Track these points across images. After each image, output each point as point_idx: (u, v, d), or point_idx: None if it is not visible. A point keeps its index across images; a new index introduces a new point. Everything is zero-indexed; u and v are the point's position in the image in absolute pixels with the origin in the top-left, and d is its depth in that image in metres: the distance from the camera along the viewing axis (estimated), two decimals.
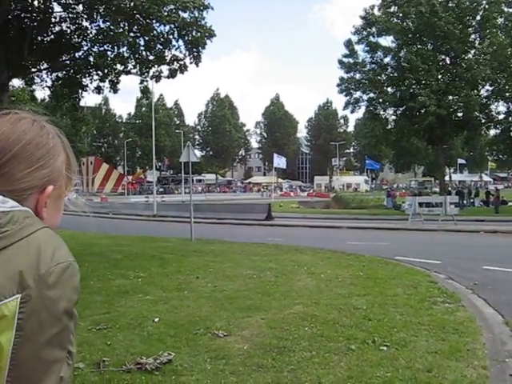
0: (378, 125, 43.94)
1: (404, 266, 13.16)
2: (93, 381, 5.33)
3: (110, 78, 19.59)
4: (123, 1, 16.67)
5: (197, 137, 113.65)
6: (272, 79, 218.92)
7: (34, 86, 21.55)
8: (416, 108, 37.22)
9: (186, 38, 18.20)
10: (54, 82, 20.03)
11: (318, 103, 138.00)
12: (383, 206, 47.32)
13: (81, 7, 18.02)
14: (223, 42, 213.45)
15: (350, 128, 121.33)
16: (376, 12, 39.28)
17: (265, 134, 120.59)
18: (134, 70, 19.39)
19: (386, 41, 40.23)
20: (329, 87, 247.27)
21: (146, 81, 20.23)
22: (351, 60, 41.03)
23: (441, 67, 39.40)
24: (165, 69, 19.28)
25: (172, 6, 17.32)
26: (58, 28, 18.58)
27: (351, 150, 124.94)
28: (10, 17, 17.06)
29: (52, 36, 18.58)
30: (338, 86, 41.37)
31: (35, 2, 17.60)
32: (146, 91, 22.34)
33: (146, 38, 18.33)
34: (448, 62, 39.58)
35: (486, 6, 36.90)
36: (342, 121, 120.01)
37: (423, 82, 38.16)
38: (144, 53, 18.76)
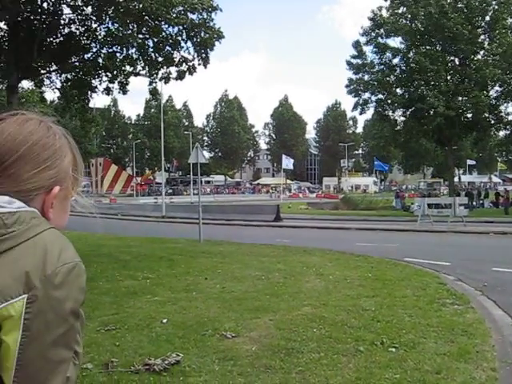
0: (386, 126, 43.82)
1: (413, 267, 13.11)
2: (101, 381, 5.35)
3: (119, 80, 19.62)
4: (132, 2, 16.69)
5: (205, 138, 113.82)
6: (280, 80, 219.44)
7: (43, 88, 21.58)
8: (425, 109, 37.06)
9: (195, 39, 18.20)
10: (64, 84, 20.11)
11: (326, 104, 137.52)
12: (392, 208, 47.28)
13: (90, 9, 18.08)
14: (231, 43, 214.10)
15: (359, 129, 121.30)
16: (384, 13, 39.18)
17: (273, 136, 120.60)
18: (142, 72, 19.42)
19: (395, 42, 40.14)
20: (337, 88, 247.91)
21: (155, 82, 20.28)
22: (359, 61, 40.91)
23: (450, 68, 39.22)
24: (173, 70, 19.32)
25: (181, 8, 17.33)
26: (67, 30, 18.65)
27: (360, 152, 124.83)
28: (19, 19, 17.14)
29: (61, 38, 18.65)
30: (347, 87, 41.26)
31: (44, 4, 17.68)
32: (154, 93, 22.43)
33: (155, 40, 18.35)
34: (457, 63, 39.37)
35: (496, 7, 36.68)
36: (350, 122, 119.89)
37: (432, 83, 38.02)
38: (153, 54, 18.78)
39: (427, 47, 38.83)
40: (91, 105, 22.49)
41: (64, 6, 18.04)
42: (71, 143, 1.31)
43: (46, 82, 20.46)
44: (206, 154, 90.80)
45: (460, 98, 38.19)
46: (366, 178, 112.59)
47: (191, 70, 19.01)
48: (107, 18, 18.17)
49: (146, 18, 17.39)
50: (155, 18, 17.38)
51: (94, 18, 18.29)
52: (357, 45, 40.60)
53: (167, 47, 18.52)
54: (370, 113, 48.01)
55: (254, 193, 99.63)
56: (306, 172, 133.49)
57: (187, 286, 10.47)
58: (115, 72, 19.26)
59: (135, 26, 17.89)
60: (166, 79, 19.59)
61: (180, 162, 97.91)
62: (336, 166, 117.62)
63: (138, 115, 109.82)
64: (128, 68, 19.43)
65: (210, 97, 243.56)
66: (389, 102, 40.46)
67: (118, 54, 19.00)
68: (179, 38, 18.29)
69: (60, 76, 19.98)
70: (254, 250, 16.86)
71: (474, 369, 5.63)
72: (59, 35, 18.62)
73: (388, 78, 40.24)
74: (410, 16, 38.42)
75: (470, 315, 7.98)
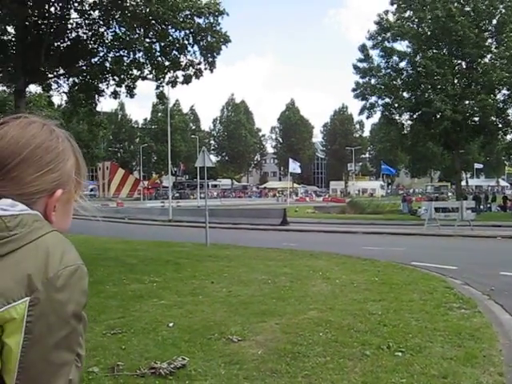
0: (393, 130, 43.71)
1: (420, 271, 13.06)
2: None
3: (126, 84, 19.70)
4: (139, 7, 16.77)
5: (212, 142, 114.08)
6: (287, 84, 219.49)
7: (50, 92, 21.68)
8: (431, 113, 36.96)
9: (201, 43, 18.28)
10: (71, 88, 20.19)
11: (333, 108, 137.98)
12: (399, 211, 47.14)
13: (97, 13, 18.17)
14: (238, 46, 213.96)
15: (366, 133, 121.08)
16: (390, 17, 39.14)
17: (280, 139, 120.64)
18: (149, 76, 19.50)
19: (402, 45, 40.08)
20: (344, 92, 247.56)
21: (162, 86, 20.34)
22: (366, 65, 40.86)
23: (457, 72, 39.12)
24: (180, 74, 19.40)
25: (187, 12, 17.40)
26: (74, 34, 18.74)
27: (367, 155, 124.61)
28: (27, 23, 17.24)
29: (68, 42, 18.73)
30: (354, 90, 41.20)
31: (52, 9, 17.78)
32: (161, 96, 22.47)
33: (162, 44, 18.41)
34: (464, 67, 39.26)
35: (503, 10, 36.55)
36: (357, 126, 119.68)
37: (439, 86, 37.89)
38: (160, 58, 18.84)
39: (434, 51, 38.72)
40: (98, 109, 22.61)
41: (71, 10, 18.14)
42: (74, 146, 1.32)
43: (54, 86, 20.58)
44: (213, 158, 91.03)
45: (467, 102, 38.02)
46: (373, 181, 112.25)
47: (198, 73, 19.09)
48: (114, 23, 18.27)
49: (153, 22, 17.48)
50: (162, 22, 17.45)
51: (101, 23, 18.39)
52: (363, 48, 40.55)
53: (174, 51, 18.60)
54: (376, 117, 47.90)
55: (260, 197, 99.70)
56: (312, 176, 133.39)
57: (193, 290, 10.48)
58: (122, 76, 19.33)
59: (142, 30, 17.97)
60: (173, 83, 19.67)
61: (187, 166, 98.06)
62: (343, 170, 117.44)
63: (145, 119, 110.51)
64: (135, 72, 19.52)
65: (217, 101, 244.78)
66: (396, 105, 40.38)
67: (125, 58, 19.07)
68: (186, 42, 18.37)
69: (67, 80, 20.08)
70: (260, 253, 16.86)
71: (481, 373, 5.60)
72: (66, 39, 18.72)
73: (395, 82, 40.15)
74: (416, 20, 38.37)
75: (477, 319, 7.94)
